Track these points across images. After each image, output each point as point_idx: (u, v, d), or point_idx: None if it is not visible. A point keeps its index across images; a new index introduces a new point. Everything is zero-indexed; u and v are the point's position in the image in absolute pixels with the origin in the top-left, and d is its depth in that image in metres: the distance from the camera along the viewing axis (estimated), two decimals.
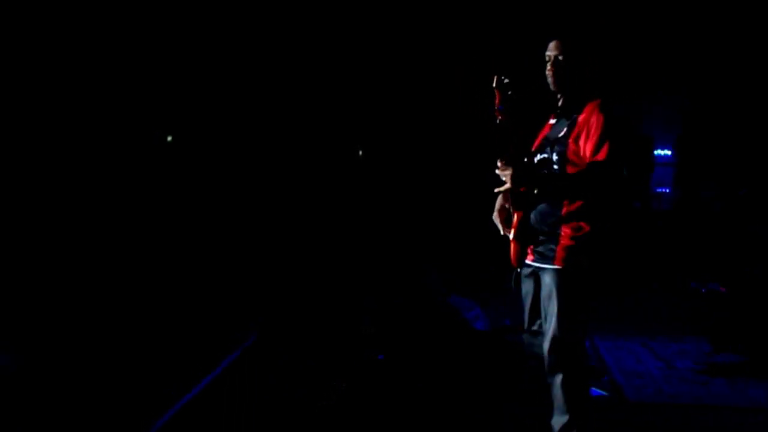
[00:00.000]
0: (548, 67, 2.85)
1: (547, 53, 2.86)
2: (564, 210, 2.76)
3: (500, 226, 2.96)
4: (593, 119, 2.71)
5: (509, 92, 2.78)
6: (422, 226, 7.55)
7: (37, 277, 5.09)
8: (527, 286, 2.97)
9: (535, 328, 2.97)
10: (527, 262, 2.88)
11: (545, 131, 2.95)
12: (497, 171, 2.73)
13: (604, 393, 3.99)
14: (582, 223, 2.74)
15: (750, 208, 6.37)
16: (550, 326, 2.78)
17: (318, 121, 7.85)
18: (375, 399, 3.72)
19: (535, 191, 2.71)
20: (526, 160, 2.86)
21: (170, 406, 3.12)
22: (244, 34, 7.18)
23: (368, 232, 7.30)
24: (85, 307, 4.72)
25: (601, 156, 2.66)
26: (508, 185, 2.70)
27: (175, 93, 7.13)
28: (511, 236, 2.84)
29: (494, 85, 2.80)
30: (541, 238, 2.80)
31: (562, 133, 2.79)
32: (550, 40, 2.86)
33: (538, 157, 2.86)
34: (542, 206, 2.80)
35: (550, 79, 2.86)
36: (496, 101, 2.79)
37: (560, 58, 2.81)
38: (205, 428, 3.25)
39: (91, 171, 6.30)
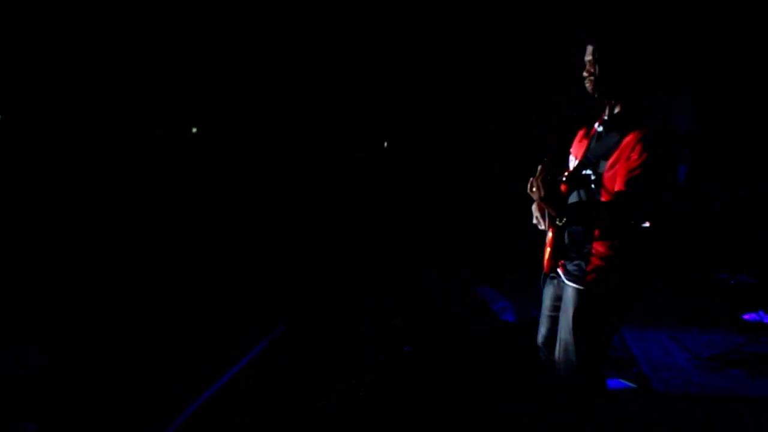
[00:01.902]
0: (585, 73, 2.76)
1: (586, 58, 2.76)
2: (596, 232, 2.75)
3: (536, 216, 2.96)
4: (633, 156, 2.62)
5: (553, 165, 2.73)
6: (441, 221, 7.55)
7: (56, 274, 5.12)
8: (550, 290, 2.98)
9: (543, 335, 2.99)
10: (558, 271, 2.88)
11: (584, 137, 2.89)
12: (528, 187, 2.71)
13: (631, 385, 3.98)
14: (614, 242, 2.72)
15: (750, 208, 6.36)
16: (565, 340, 2.79)
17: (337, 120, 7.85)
18: (402, 391, 3.71)
19: (560, 222, 2.69)
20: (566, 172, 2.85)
21: (185, 404, 3.15)
22: (271, 26, 7.15)
23: (388, 226, 7.32)
24: (99, 305, 4.73)
25: (624, 198, 2.62)
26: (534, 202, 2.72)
27: (204, 84, 7.13)
28: (546, 255, 2.84)
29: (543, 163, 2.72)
30: (573, 255, 2.79)
31: (606, 155, 2.72)
32: (588, 44, 2.76)
33: (581, 173, 2.80)
34: (575, 227, 2.79)
35: (588, 86, 2.76)
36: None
37: (597, 64, 2.71)
38: (221, 427, 3.26)
39: (111, 167, 6.32)
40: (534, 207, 2.97)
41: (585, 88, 2.78)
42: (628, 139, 2.65)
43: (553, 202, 2.64)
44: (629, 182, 2.61)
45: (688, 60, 6.62)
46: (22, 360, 3.83)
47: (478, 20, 7.36)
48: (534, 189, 2.63)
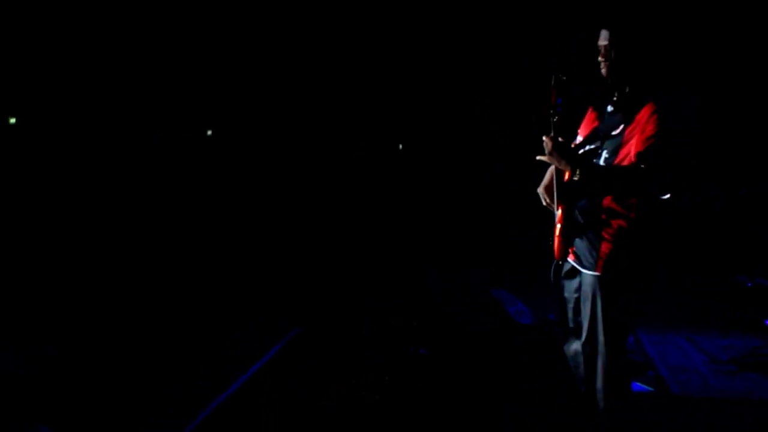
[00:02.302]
0: (600, 58, 2.79)
1: (600, 43, 2.79)
2: (605, 203, 2.75)
3: (545, 199, 2.97)
4: (649, 126, 2.66)
5: (565, 89, 2.75)
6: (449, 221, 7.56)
7: (79, 270, 5.13)
8: (570, 285, 2.97)
9: (569, 325, 3.01)
10: (569, 260, 2.88)
11: (596, 120, 2.91)
12: (544, 140, 2.72)
13: (648, 388, 3.95)
14: (621, 221, 2.73)
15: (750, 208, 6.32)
16: (590, 328, 2.80)
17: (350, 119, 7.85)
18: (417, 393, 3.71)
19: (575, 175, 2.69)
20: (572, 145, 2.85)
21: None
22: (284, 29, 7.15)
23: (389, 226, 7.33)
24: (106, 306, 4.73)
25: (642, 163, 2.63)
26: (544, 157, 2.72)
27: (218, 84, 7.14)
28: (556, 232, 2.84)
29: (552, 83, 2.77)
30: (583, 237, 2.80)
31: (618, 130, 2.75)
32: (602, 29, 2.80)
33: (587, 147, 2.82)
34: (584, 201, 2.80)
35: (603, 70, 2.80)
36: (552, 100, 2.77)
37: (613, 49, 2.74)
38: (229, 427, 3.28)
39: (120, 168, 6.33)
40: (540, 189, 2.98)
41: (579, 89, 2.82)
42: (643, 112, 2.69)
43: (563, 153, 2.67)
44: (646, 150, 2.63)
45: (691, 60, 6.60)
46: (35, 360, 3.82)
47: (478, 20, 7.35)
48: (547, 144, 2.67)
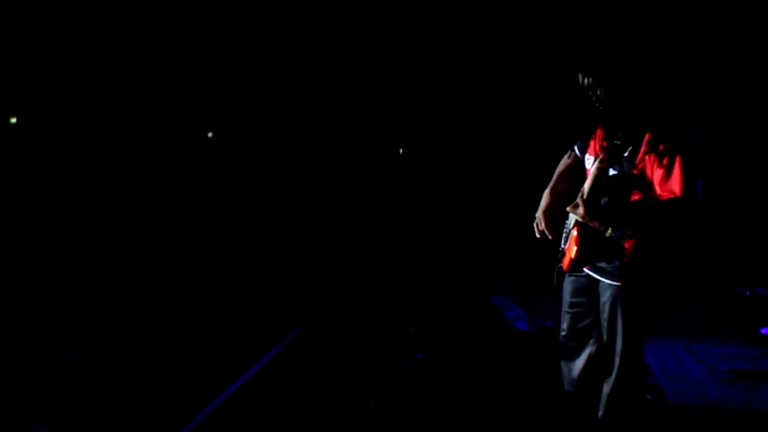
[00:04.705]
0: (593, 98, 2.77)
1: (583, 81, 2.77)
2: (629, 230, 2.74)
3: (540, 227, 2.95)
4: (662, 144, 2.64)
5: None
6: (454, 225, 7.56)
7: (102, 277, 5.18)
8: (571, 287, 2.95)
9: (565, 331, 2.99)
10: (585, 270, 2.86)
11: (605, 141, 2.87)
12: (567, 209, 2.70)
13: (645, 396, 3.92)
14: (644, 238, 2.73)
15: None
16: (609, 337, 2.80)
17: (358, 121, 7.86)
18: (412, 399, 3.67)
19: (608, 233, 2.68)
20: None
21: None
22: (285, 32, 7.15)
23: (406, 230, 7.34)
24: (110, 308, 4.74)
25: (676, 188, 2.61)
26: (578, 218, 2.68)
27: (218, 88, 7.15)
28: (572, 254, 2.81)
29: (605, 147, 2.72)
30: (603, 251, 2.78)
31: (627, 153, 2.69)
32: (579, 70, 2.77)
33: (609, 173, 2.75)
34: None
35: (600, 108, 2.78)
36: (604, 160, 2.70)
37: (599, 89, 2.73)
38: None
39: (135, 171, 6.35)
40: (539, 214, 2.97)
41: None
42: (648, 137, 2.66)
43: (596, 216, 2.63)
44: (669, 175, 2.61)
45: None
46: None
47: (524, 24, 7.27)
48: (574, 211, 2.63)
